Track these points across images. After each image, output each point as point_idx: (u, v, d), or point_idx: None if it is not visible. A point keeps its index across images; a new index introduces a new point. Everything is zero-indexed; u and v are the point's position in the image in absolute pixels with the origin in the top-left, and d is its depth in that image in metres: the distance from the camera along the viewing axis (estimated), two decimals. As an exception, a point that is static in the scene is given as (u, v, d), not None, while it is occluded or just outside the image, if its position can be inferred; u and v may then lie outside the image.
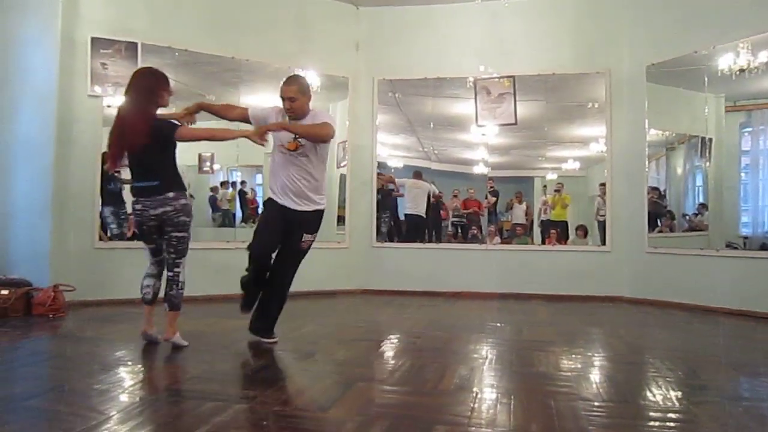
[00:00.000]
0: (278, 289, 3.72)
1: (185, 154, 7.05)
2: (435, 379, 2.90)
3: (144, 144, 3.34)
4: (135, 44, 5.69)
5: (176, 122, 3.56)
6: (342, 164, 7.11)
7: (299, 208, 3.61)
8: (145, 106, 3.44)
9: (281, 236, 3.61)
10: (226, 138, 3.69)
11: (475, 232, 7.94)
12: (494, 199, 8.31)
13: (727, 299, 5.41)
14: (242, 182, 7.58)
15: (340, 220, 7.12)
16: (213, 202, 7.38)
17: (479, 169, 7.46)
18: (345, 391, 2.66)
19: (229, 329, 4.27)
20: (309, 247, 3.73)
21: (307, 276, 6.54)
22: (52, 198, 5.19)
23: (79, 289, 5.05)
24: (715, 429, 2.30)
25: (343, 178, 7.12)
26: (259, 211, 7.76)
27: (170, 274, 3.58)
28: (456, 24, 6.85)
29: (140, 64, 5.63)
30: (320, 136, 3.53)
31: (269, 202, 3.67)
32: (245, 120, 3.76)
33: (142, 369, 3.18)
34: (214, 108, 3.96)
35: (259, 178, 7.96)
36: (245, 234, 6.93)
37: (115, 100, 5.77)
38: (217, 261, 6.02)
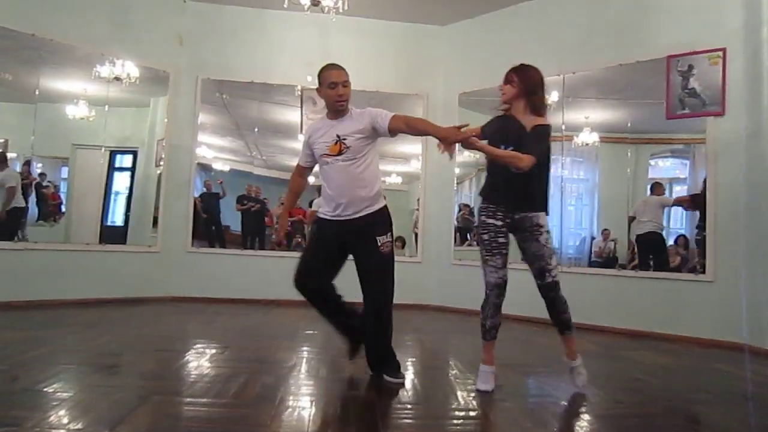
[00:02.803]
0: (375, 312, 3.21)
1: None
2: (237, 389, 2.83)
3: None
4: None
5: None
6: (160, 164, 6.71)
7: (357, 215, 3.10)
8: None
9: (332, 257, 3.19)
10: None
11: (299, 240, 7.95)
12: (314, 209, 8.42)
13: (517, 307, 6.02)
14: (41, 174, 6.77)
15: (156, 222, 6.69)
16: None
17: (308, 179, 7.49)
18: (138, 406, 2.49)
19: (4, 342, 3.77)
20: (391, 251, 3.20)
21: (111, 282, 6.19)
22: None
23: None
24: (509, 426, 2.55)
25: (160, 177, 6.71)
26: (62, 209, 7.02)
27: None
28: (287, 32, 6.85)
29: None
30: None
31: (318, 223, 3.25)
32: (308, 169, 3.39)
33: None
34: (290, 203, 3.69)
35: (64, 172, 7.19)
36: (39, 234, 6.21)
37: None
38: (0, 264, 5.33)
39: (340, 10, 5.18)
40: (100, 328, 4.52)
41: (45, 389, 2.72)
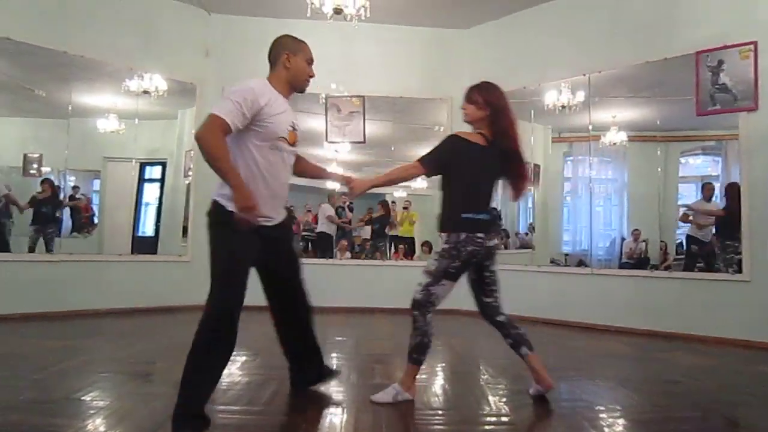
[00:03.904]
0: (311, 318, 3.00)
1: (6, 154, 6.43)
2: (269, 397, 2.86)
3: None
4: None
5: None
6: (189, 174, 6.81)
7: (281, 219, 2.71)
8: None
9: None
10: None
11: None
12: (350, 214, 8.49)
13: (547, 310, 5.98)
14: (74, 187, 6.94)
15: (185, 231, 6.79)
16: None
17: (332, 185, 7.55)
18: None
19: (44, 351, 3.87)
20: None
21: (143, 291, 6.29)
22: None
23: None
24: (541, 429, 2.52)
25: (189, 188, 6.82)
26: (95, 220, 7.18)
27: None
28: (309, 40, 6.82)
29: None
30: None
31: (249, 230, 2.44)
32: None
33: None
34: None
35: (96, 184, 7.36)
36: (73, 245, 6.36)
37: None
38: (37, 275, 5.46)
39: (363, 18, 5.20)
40: (134, 336, 4.60)
41: (83, 398, 2.78)
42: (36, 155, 6.45)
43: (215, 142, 2.28)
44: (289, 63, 2.60)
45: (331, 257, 7.73)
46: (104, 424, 2.40)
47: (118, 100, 6.52)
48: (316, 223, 8.37)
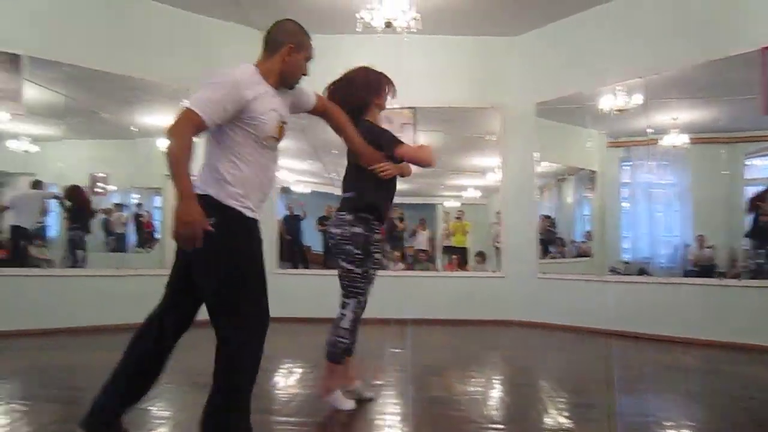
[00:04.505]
0: None
1: (75, 174, 6.77)
2: (329, 409, 2.87)
3: None
4: (18, 56, 5.34)
5: None
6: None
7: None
8: None
9: None
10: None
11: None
12: (403, 224, 8.49)
13: (610, 321, 5.79)
14: (138, 205, 7.23)
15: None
16: (106, 225, 6.97)
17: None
18: (235, 425, 2.57)
19: (112, 363, 4.01)
20: None
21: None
22: None
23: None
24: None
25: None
26: (156, 236, 7.45)
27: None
28: (359, 54, 6.89)
29: (24, 77, 5.35)
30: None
31: (251, 226, 2.18)
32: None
33: (11, 410, 2.91)
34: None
35: (157, 201, 7.64)
36: (139, 260, 6.61)
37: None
38: (106, 289, 5.69)
39: (413, 30, 5.22)
40: (194, 348, 4.70)
41: (149, 408, 2.87)
42: (102, 174, 6.75)
43: (180, 141, 1.97)
44: (289, 57, 2.26)
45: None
46: (171, 435, 2.47)
47: (176, 120, 6.77)
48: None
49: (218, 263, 2.06)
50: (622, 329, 5.66)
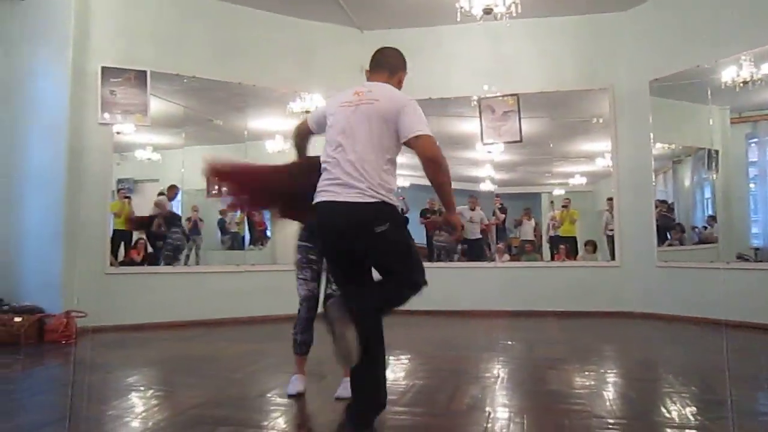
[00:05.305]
0: None
1: (193, 179, 7.26)
2: (446, 400, 2.89)
3: None
4: (144, 72, 5.81)
5: None
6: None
7: None
8: None
9: None
10: None
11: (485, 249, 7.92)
12: (503, 215, 8.32)
13: (738, 312, 5.35)
14: (250, 205, 7.62)
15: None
16: (222, 225, 7.44)
17: (486, 186, 7.48)
18: (356, 413, 2.66)
19: (239, 353, 4.29)
20: None
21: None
22: (64, 225, 5.24)
23: (91, 315, 5.06)
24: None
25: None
26: (268, 233, 7.83)
27: None
28: (459, 44, 6.92)
29: (149, 91, 5.79)
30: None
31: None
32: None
33: (154, 395, 3.19)
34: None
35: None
36: (254, 257, 6.99)
37: (124, 127, 5.92)
38: (227, 285, 6.06)
39: (513, 14, 5.10)
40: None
41: (271, 396, 3.05)
42: (218, 177, 7.18)
43: (446, 163, 2.32)
44: (401, 83, 2.62)
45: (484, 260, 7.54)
46: (291, 422, 2.61)
47: (284, 122, 7.06)
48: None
49: (410, 247, 2.42)
50: (752, 320, 5.21)
